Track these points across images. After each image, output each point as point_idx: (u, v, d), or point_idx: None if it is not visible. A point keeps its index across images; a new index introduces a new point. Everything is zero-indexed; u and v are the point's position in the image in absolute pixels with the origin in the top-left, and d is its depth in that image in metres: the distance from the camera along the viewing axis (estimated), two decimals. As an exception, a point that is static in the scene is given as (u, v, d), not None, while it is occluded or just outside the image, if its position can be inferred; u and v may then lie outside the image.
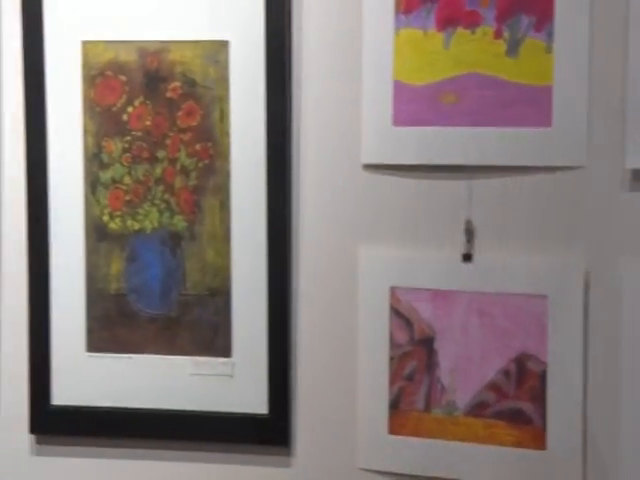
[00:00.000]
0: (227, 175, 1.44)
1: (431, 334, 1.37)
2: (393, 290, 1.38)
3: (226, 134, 1.43)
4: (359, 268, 1.40)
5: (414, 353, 1.38)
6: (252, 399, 1.44)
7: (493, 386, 1.34)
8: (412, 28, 1.35)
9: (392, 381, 1.39)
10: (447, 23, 1.34)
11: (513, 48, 1.31)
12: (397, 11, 1.36)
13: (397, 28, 1.36)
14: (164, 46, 1.43)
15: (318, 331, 1.43)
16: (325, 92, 1.41)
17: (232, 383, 1.45)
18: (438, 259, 1.36)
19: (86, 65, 1.46)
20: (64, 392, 1.49)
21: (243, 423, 1.44)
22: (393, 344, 1.38)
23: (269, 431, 1.44)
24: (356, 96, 1.39)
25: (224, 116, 1.43)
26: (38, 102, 1.46)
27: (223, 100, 1.43)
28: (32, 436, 1.51)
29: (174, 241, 1.46)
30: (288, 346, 1.43)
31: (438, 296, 1.36)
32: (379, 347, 1.39)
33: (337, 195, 1.41)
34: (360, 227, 1.41)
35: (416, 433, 1.38)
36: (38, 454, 1.51)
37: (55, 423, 1.49)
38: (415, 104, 1.36)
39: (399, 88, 1.36)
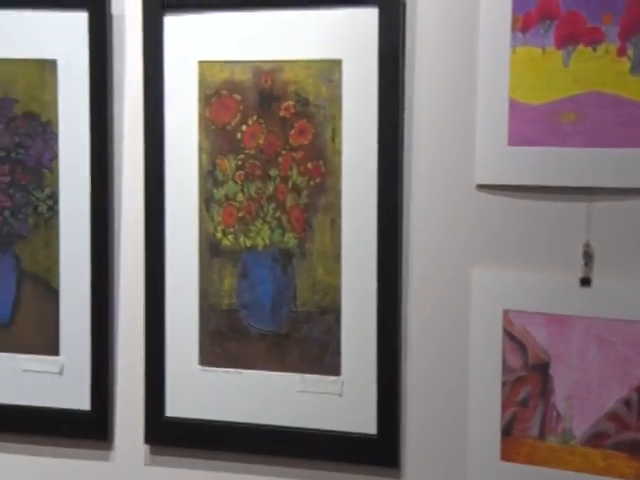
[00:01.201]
0: (338, 193, 1.37)
1: (546, 359, 1.27)
2: (506, 313, 1.29)
3: (338, 153, 1.37)
4: (472, 290, 1.31)
5: (528, 378, 1.28)
6: (361, 419, 1.37)
7: (613, 416, 1.23)
8: (530, 46, 1.26)
9: (505, 406, 1.29)
10: (567, 40, 1.24)
11: (638, 66, 1.20)
12: (514, 29, 1.27)
13: (514, 46, 1.27)
14: (278, 65, 1.38)
15: (429, 352, 1.35)
16: (439, 111, 1.33)
17: (341, 402, 1.38)
18: (554, 283, 1.26)
19: (202, 84, 1.42)
20: (177, 404, 1.45)
21: (351, 443, 1.37)
22: (506, 368, 1.29)
23: (378, 452, 1.36)
24: (471, 115, 1.30)
25: (336, 135, 1.37)
26: (157, 120, 1.44)
27: (335, 119, 1.36)
28: (147, 446, 1.48)
29: (285, 258, 1.40)
30: (398, 366, 1.35)
31: (554, 321, 1.26)
32: (491, 370, 1.30)
33: (450, 215, 1.33)
34: (473, 248, 1.32)
35: (530, 461, 1.28)
36: (152, 464, 1.48)
37: (169, 434, 1.46)
38: (532, 123, 1.27)
39: (515, 107, 1.27)
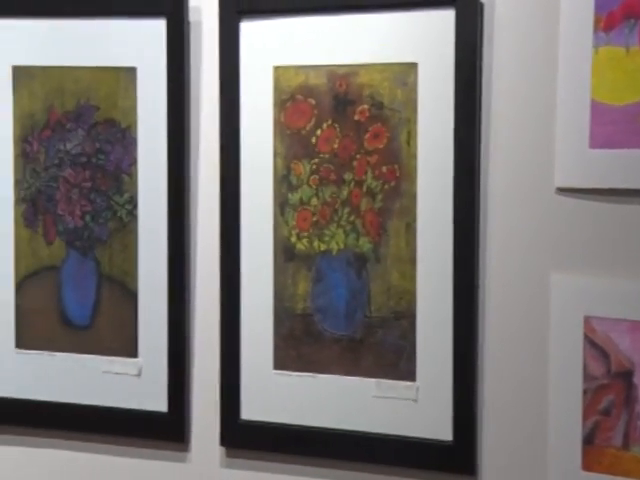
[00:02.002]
0: (413, 197, 1.33)
1: (630, 367, 1.21)
2: (587, 319, 1.23)
3: (413, 156, 1.33)
4: (551, 295, 1.25)
5: (611, 386, 1.22)
6: (436, 425, 1.32)
7: (701, 427, 1.17)
8: (613, 46, 1.20)
9: (586, 415, 1.23)
10: (653, 39, 1.18)
11: None
12: (596, 29, 1.21)
13: (596, 46, 1.21)
14: (353, 69, 1.35)
15: (506, 359, 1.30)
16: (517, 113, 1.28)
17: (416, 407, 1.34)
18: (638, 288, 1.20)
19: (277, 89, 1.40)
20: (252, 408, 1.42)
21: (426, 449, 1.33)
22: (587, 376, 1.23)
23: (453, 458, 1.31)
24: (551, 117, 1.25)
25: (411, 138, 1.33)
26: (233, 125, 1.42)
27: (411, 122, 1.32)
28: (222, 448, 1.46)
29: (359, 263, 1.37)
30: (474, 373, 1.30)
31: (638, 327, 1.20)
32: (572, 378, 1.24)
33: (529, 219, 1.28)
34: (553, 253, 1.26)
35: (612, 471, 1.22)
36: (228, 466, 1.46)
37: (244, 437, 1.43)
38: (614, 125, 1.21)
39: (597, 108, 1.22)
